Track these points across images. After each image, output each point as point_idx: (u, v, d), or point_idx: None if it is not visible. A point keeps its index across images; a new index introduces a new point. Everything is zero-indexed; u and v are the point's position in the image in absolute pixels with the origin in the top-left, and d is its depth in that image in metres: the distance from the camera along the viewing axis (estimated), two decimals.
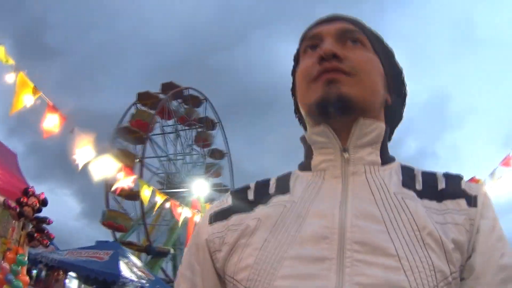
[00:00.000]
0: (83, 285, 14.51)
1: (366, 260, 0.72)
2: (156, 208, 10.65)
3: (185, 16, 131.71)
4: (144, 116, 35.80)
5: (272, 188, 0.91)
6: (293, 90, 1.02)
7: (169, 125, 39.72)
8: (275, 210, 0.84)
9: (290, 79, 1.04)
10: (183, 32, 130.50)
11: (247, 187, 0.95)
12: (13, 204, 5.88)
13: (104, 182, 29.42)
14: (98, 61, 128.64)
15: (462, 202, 0.83)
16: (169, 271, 35.20)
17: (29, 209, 6.25)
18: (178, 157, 39.25)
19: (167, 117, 38.38)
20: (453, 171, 0.90)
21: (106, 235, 31.42)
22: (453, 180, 0.88)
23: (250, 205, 0.89)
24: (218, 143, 42.82)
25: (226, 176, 42.54)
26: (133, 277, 13.97)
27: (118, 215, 31.81)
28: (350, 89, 0.84)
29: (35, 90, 6.12)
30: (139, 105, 36.65)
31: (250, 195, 0.92)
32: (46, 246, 7.19)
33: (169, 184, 35.87)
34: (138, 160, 33.61)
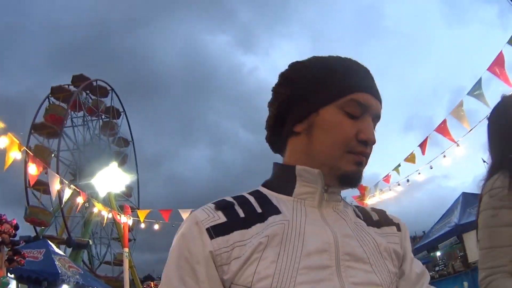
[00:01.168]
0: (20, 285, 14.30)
1: (353, 266, 0.96)
2: (99, 216, 12.02)
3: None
4: (57, 110, 36.52)
5: (257, 207, 1.02)
6: (282, 106, 1.09)
7: (78, 117, 40.73)
8: (278, 228, 0.96)
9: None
10: (88, 14, 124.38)
11: (231, 203, 1.02)
12: None
13: (24, 178, 29.88)
14: (5, 42, 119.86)
15: (394, 228, 1.14)
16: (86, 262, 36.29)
17: (6, 235, 7.04)
18: (87, 148, 40.34)
19: (77, 109, 39.39)
20: None
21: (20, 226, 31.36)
22: (381, 212, 1.18)
23: (246, 222, 0.98)
24: (122, 131, 44.57)
25: (130, 163, 44.46)
26: (69, 274, 14.38)
27: (39, 211, 32.41)
28: (362, 174, 1.06)
29: (20, 146, 7.21)
30: (52, 99, 37.29)
31: (241, 213, 1.00)
32: (22, 265, 8.11)
33: (81, 175, 36.83)
34: (53, 155, 34.41)
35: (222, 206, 1.01)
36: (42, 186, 26.16)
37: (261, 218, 0.99)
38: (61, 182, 9.59)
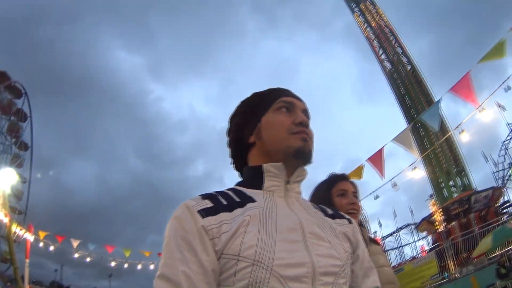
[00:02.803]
0: None
1: (316, 243, 1.15)
2: None
3: None
4: None
5: (236, 198, 1.22)
6: (238, 129, 1.38)
7: None
8: (256, 211, 1.17)
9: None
10: None
11: (214, 194, 1.22)
12: None
13: None
14: None
15: (345, 221, 1.37)
16: None
17: None
18: None
19: None
20: None
21: None
22: (334, 209, 1.43)
23: (228, 207, 1.17)
24: (25, 135, 46.11)
25: (26, 167, 45.86)
26: None
27: None
28: (311, 148, 1.30)
29: None
30: None
31: (223, 201, 1.19)
32: None
33: None
34: None
35: (207, 196, 1.21)
36: None
37: (241, 204, 1.20)
38: None
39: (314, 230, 1.19)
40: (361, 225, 2.41)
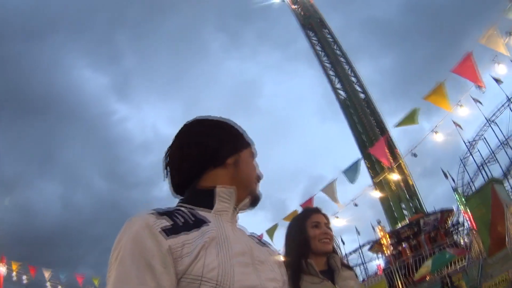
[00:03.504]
0: None
1: (262, 268, 1.26)
2: None
3: None
4: None
5: (191, 218, 1.24)
6: (214, 143, 1.41)
7: None
8: (213, 234, 1.20)
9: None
10: None
11: (170, 212, 1.23)
12: None
13: None
14: None
15: (272, 249, 1.47)
16: None
17: None
18: None
19: None
20: None
21: None
22: (258, 236, 1.50)
23: (186, 228, 1.18)
24: None
25: None
26: None
27: None
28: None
29: None
30: None
31: (179, 221, 1.20)
32: None
33: None
34: None
35: (164, 212, 1.21)
36: None
37: (196, 225, 1.21)
38: None
39: (258, 255, 1.31)
40: (334, 251, 2.64)
